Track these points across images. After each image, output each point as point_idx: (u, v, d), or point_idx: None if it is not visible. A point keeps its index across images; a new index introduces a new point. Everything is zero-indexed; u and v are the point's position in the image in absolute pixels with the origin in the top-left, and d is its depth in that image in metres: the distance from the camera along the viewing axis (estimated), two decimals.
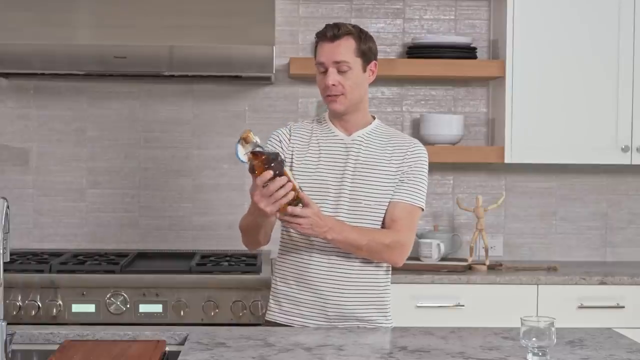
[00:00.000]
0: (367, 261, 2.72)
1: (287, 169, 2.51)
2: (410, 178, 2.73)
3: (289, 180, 2.48)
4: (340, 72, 2.68)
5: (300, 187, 2.54)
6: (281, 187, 2.47)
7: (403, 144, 2.77)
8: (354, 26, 2.74)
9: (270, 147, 2.72)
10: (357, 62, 2.70)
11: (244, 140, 2.47)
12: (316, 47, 2.75)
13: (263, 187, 2.47)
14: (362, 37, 2.71)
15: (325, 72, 2.70)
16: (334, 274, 2.70)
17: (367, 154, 2.74)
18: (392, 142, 2.77)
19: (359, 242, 2.65)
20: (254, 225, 2.72)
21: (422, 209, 2.77)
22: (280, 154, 2.58)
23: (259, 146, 2.47)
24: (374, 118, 2.83)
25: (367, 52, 2.72)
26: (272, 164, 2.46)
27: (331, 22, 2.78)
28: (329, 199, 2.70)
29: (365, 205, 2.70)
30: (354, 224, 2.68)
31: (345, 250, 2.68)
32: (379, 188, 2.71)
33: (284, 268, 2.78)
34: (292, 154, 2.76)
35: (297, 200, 2.52)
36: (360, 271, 2.72)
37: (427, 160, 2.78)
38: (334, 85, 2.68)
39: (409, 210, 2.73)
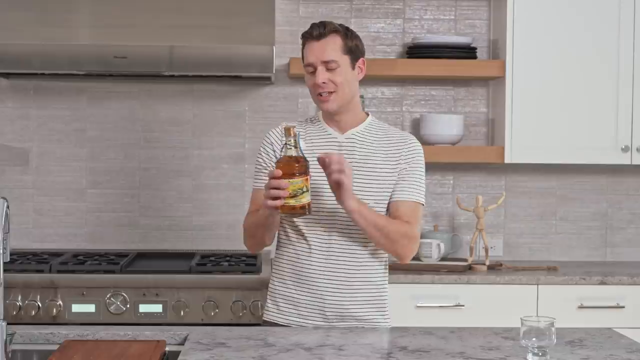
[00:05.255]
0: (365, 260, 2.72)
1: (299, 177, 2.46)
2: (410, 175, 2.74)
3: (302, 185, 2.46)
4: (329, 70, 2.67)
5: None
6: (276, 188, 2.45)
7: (398, 140, 2.77)
8: (340, 24, 2.74)
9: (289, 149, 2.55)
10: (345, 60, 2.69)
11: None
12: (303, 47, 2.74)
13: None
14: (349, 35, 2.71)
15: (314, 72, 2.69)
16: (331, 273, 2.70)
17: (362, 152, 2.73)
18: (387, 139, 2.77)
19: (378, 222, 2.63)
20: (260, 223, 2.70)
21: (423, 204, 2.78)
22: (303, 158, 2.50)
23: (286, 143, 2.48)
24: (367, 115, 2.82)
25: (354, 49, 2.71)
26: (281, 164, 2.47)
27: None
28: (324, 199, 2.68)
29: None
30: (353, 224, 2.67)
31: (363, 229, 2.64)
32: (377, 187, 2.71)
33: (282, 268, 2.78)
34: None
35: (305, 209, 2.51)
36: (359, 270, 2.72)
37: (423, 155, 2.79)
38: (324, 83, 2.67)
39: (413, 207, 2.73)
